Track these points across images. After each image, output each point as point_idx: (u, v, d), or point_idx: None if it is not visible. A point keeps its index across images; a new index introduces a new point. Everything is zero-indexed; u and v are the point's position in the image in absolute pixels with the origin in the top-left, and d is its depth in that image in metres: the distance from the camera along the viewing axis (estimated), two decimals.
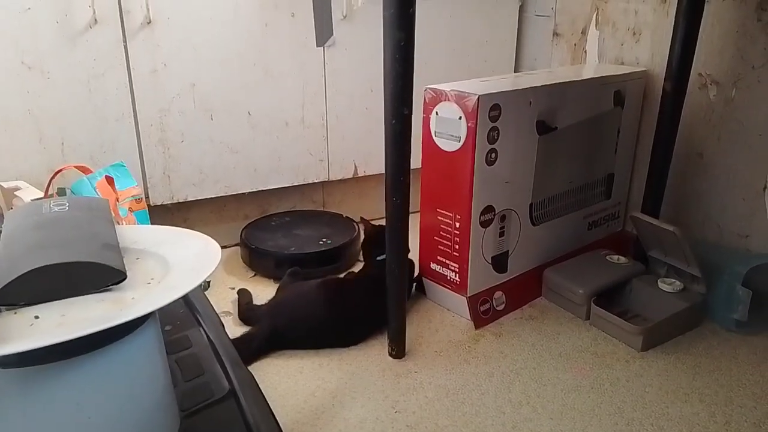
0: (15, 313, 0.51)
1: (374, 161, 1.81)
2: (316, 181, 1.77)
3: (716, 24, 1.41)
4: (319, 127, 1.71)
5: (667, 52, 1.41)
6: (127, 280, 0.55)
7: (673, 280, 1.37)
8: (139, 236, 0.64)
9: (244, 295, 1.42)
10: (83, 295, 0.53)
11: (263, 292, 1.48)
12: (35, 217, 0.61)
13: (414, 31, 1.03)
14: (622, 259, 1.48)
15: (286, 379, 1.18)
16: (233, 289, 1.48)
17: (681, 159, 1.52)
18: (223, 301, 1.44)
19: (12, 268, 0.52)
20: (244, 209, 1.76)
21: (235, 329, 1.33)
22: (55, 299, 0.53)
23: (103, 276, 0.54)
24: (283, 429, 0.65)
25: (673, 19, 1.38)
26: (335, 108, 1.71)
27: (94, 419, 0.50)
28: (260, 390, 0.67)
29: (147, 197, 1.52)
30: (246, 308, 1.36)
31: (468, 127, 1.24)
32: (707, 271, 1.34)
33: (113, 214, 1.09)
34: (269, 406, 0.65)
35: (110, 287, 0.54)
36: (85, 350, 0.48)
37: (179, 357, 0.70)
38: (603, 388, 1.16)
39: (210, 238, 0.61)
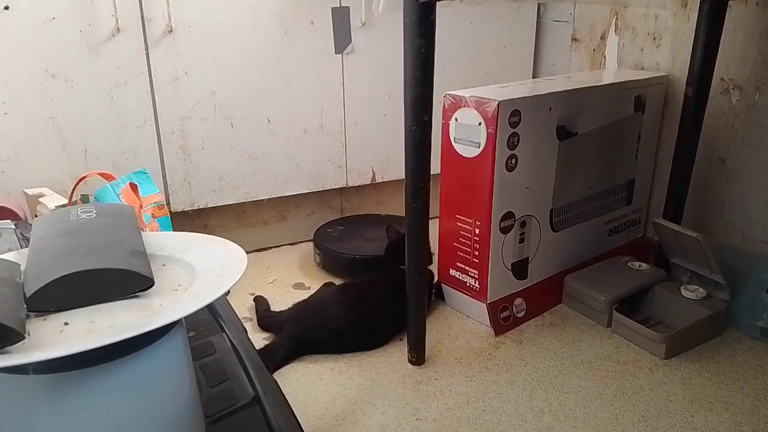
0: (44, 319, 0.52)
1: (392, 167, 1.81)
2: (334, 187, 1.77)
3: (738, 28, 1.40)
4: (337, 134, 1.72)
5: (688, 57, 1.40)
6: (154, 286, 0.55)
7: (696, 287, 1.36)
8: (165, 243, 0.64)
9: (261, 303, 1.42)
10: (111, 301, 0.54)
11: (283, 297, 1.49)
12: (63, 224, 0.61)
13: (434, 38, 1.03)
14: (644, 265, 1.47)
15: (306, 386, 1.18)
16: (252, 295, 1.49)
17: (703, 164, 1.50)
18: (243, 307, 1.45)
19: (41, 275, 0.53)
20: (263, 216, 1.77)
21: (255, 335, 1.33)
22: (84, 306, 0.53)
23: (131, 283, 0.54)
24: None
25: (694, 24, 1.37)
26: (353, 115, 1.72)
27: (122, 425, 0.50)
28: (284, 396, 0.67)
29: (168, 204, 1.53)
30: (265, 315, 1.37)
31: (488, 133, 1.24)
32: (731, 278, 1.33)
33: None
34: (294, 413, 0.65)
35: (138, 294, 0.55)
36: (114, 357, 0.49)
37: (203, 363, 0.70)
38: (626, 397, 1.15)
39: (235, 244, 0.62)
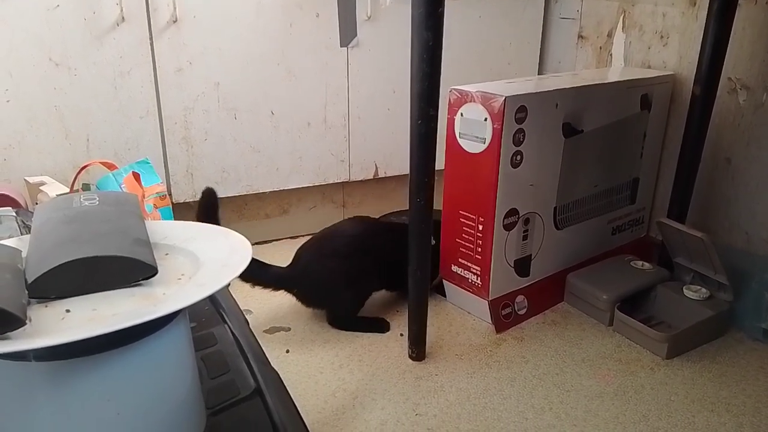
0: (46, 306, 0.51)
1: (395, 162, 1.80)
2: (337, 181, 1.76)
3: (747, 28, 1.39)
4: (340, 128, 1.71)
5: (696, 56, 1.39)
6: (157, 275, 0.54)
7: (699, 287, 1.35)
8: (168, 232, 0.63)
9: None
10: (114, 289, 0.53)
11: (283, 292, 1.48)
12: (66, 211, 0.61)
13: (442, 31, 1.02)
14: (647, 265, 1.46)
15: (306, 379, 1.18)
16: (254, 287, 1.48)
17: (708, 164, 1.50)
18: (244, 299, 1.44)
19: (43, 261, 0.52)
20: (265, 208, 1.76)
21: (257, 327, 1.33)
22: (86, 293, 0.52)
23: (134, 271, 0.53)
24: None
25: (703, 23, 1.36)
26: (357, 109, 1.71)
27: (123, 414, 0.50)
28: (286, 389, 0.66)
29: (170, 195, 1.52)
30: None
31: (494, 129, 1.23)
32: (734, 279, 1.32)
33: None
34: (295, 406, 0.64)
35: (141, 282, 0.54)
36: (116, 345, 0.48)
37: (205, 354, 0.70)
38: (627, 396, 1.14)
39: (240, 235, 0.61)
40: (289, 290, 1.34)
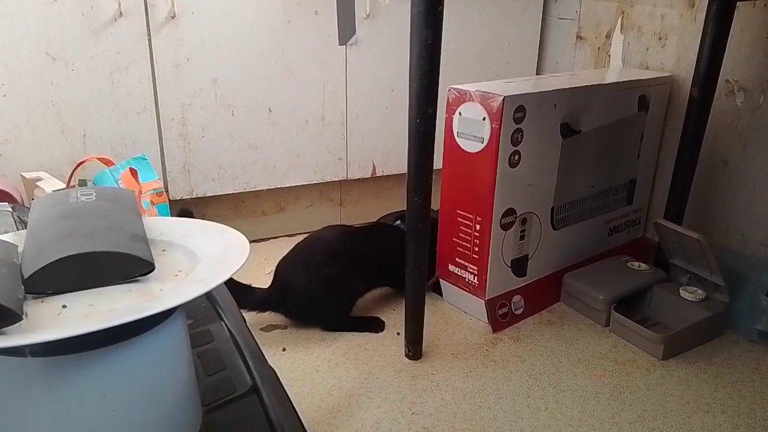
0: (42, 301, 0.51)
1: (393, 161, 1.80)
2: (334, 179, 1.76)
3: (745, 30, 1.39)
4: (338, 126, 1.70)
5: (694, 58, 1.39)
6: (154, 271, 0.54)
7: (695, 288, 1.35)
8: (165, 228, 0.63)
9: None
10: (110, 285, 0.53)
11: None
12: (62, 207, 0.60)
13: (441, 30, 1.02)
14: (643, 265, 1.46)
15: (302, 377, 1.18)
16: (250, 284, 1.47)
17: (705, 166, 1.50)
18: None
19: (39, 257, 0.52)
20: (262, 206, 1.76)
21: (254, 325, 1.32)
22: (83, 289, 0.52)
23: (131, 267, 0.53)
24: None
25: (701, 25, 1.36)
26: (355, 107, 1.71)
27: (119, 411, 0.49)
28: (283, 387, 0.66)
29: (166, 191, 1.52)
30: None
31: (492, 129, 1.23)
32: (730, 281, 1.32)
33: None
34: (292, 404, 0.64)
35: (138, 278, 0.54)
36: (112, 341, 0.48)
37: (201, 351, 0.69)
38: (623, 396, 1.14)
39: (237, 231, 0.61)
40: (275, 311, 1.33)
